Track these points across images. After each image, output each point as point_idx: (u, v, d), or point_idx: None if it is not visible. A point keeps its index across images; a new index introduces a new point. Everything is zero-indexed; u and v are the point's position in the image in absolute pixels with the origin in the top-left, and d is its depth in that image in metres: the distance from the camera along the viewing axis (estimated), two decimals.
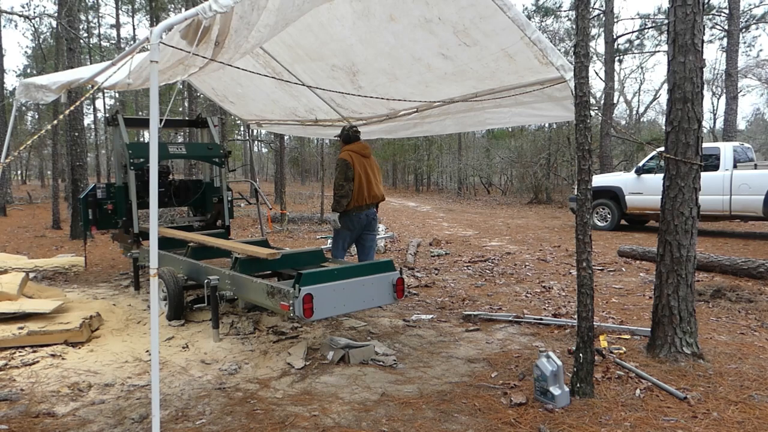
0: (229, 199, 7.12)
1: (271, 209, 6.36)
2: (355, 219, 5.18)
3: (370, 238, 5.38)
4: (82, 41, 15.68)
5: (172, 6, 23.28)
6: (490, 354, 4.09)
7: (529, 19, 4.63)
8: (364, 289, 4.04)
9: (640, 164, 11.48)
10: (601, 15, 19.19)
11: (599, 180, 11.78)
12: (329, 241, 9.82)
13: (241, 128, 31.55)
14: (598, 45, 23.98)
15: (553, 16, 23.20)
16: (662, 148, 3.93)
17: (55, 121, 4.03)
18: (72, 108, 5.12)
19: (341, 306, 3.92)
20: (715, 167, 10.03)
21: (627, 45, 25.11)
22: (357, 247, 5.45)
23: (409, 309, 5.47)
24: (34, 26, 23.47)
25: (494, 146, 29.84)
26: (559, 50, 4.53)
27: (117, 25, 26.75)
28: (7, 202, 17.58)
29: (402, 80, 5.45)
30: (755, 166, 10.12)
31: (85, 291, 6.30)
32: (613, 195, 11.59)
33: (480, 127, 5.98)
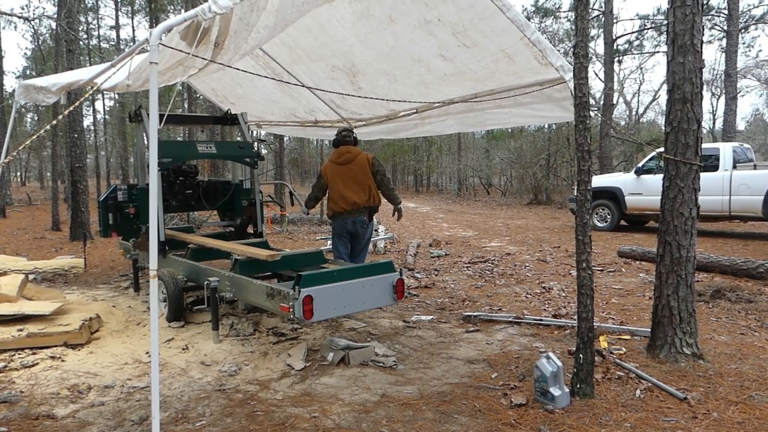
0: (261, 201, 6.39)
1: (308, 212, 5.79)
2: (341, 224, 5.28)
3: (357, 246, 5.46)
4: (81, 43, 15.66)
5: (172, 7, 23.28)
6: (490, 355, 4.09)
7: (529, 19, 4.64)
8: (364, 290, 4.04)
9: (640, 165, 11.47)
10: (601, 16, 19.20)
11: (599, 180, 11.76)
12: (329, 242, 9.84)
13: None
14: (598, 46, 24.00)
15: (552, 17, 23.21)
16: (662, 149, 3.94)
17: (54, 122, 4.03)
18: (71, 109, 5.12)
19: (341, 307, 3.91)
20: (715, 168, 10.03)
21: (626, 46, 25.09)
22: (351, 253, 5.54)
23: (409, 310, 5.47)
24: (33, 28, 23.43)
25: (494, 147, 29.84)
26: (559, 51, 4.54)
27: (116, 27, 26.73)
28: (6, 204, 17.55)
29: (402, 81, 5.46)
30: (755, 167, 10.13)
31: (84, 293, 6.29)
32: (613, 195, 11.59)
33: (480, 127, 6.00)
